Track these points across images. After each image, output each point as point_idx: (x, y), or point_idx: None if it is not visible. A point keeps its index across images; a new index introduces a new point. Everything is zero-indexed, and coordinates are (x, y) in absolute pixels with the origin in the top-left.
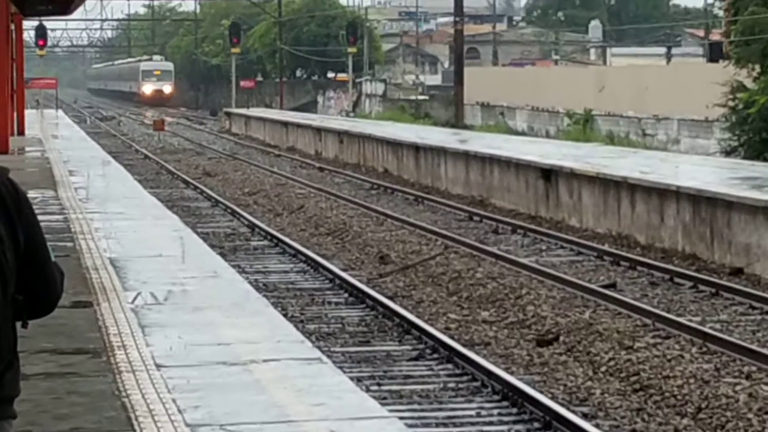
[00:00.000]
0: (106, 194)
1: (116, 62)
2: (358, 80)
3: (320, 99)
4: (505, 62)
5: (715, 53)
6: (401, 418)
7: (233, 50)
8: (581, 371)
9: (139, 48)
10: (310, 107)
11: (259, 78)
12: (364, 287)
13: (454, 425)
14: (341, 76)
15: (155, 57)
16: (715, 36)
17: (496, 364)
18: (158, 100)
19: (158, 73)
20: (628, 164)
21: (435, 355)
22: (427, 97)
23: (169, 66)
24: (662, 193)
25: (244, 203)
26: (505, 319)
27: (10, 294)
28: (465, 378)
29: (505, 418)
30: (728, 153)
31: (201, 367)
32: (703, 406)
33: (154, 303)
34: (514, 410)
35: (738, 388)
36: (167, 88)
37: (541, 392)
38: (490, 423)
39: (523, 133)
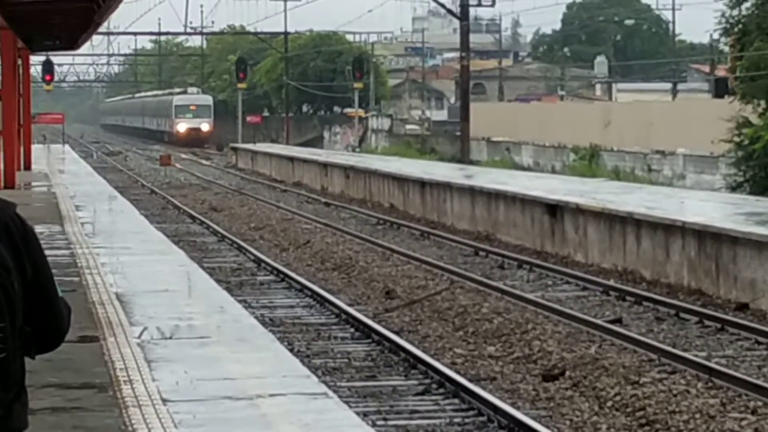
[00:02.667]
0: (112, 229)
1: (139, 95)
2: (364, 116)
3: (326, 134)
4: (511, 98)
5: (720, 89)
6: None
7: (240, 85)
8: (587, 406)
9: (146, 83)
10: (316, 142)
11: (266, 113)
12: (370, 322)
13: None
14: (352, 111)
15: (190, 89)
16: (721, 72)
17: (503, 399)
18: (195, 141)
19: (194, 108)
20: (634, 200)
21: (441, 390)
22: (428, 133)
23: (208, 100)
24: (668, 229)
25: (251, 238)
26: (511, 354)
27: (18, 325)
28: (471, 413)
29: None
30: (734, 188)
31: (207, 401)
32: None
33: (160, 338)
34: None
35: (744, 423)
36: (205, 126)
37: (548, 427)
38: None
39: (529, 169)
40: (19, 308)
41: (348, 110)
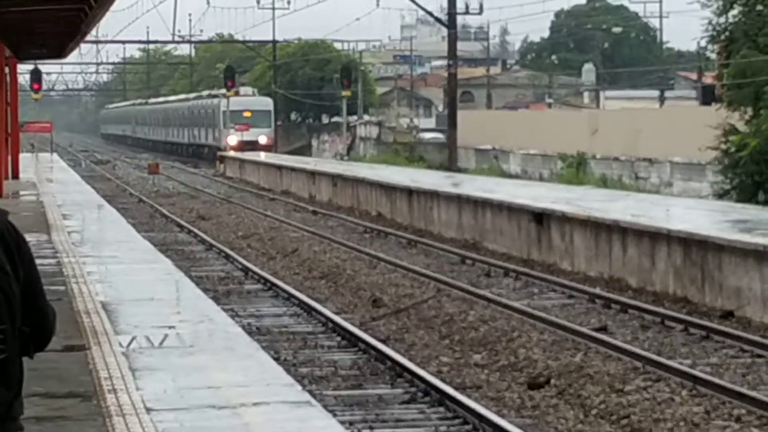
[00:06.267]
0: (99, 238)
1: (156, 100)
2: (352, 124)
3: (314, 142)
4: (499, 105)
5: (707, 96)
6: None
7: (228, 94)
8: (572, 414)
9: (134, 92)
10: (304, 150)
11: None
12: (356, 330)
13: None
14: (351, 118)
15: (243, 89)
16: (708, 79)
17: (488, 407)
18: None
19: (249, 114)
20: (620, 207)
21: (427, 399)
22: (413, 138)
23: (267, 103)
24: (654, 237)
25: (238, 247)
26: (496, 362)
27: (17, 326)
28: (457, 421)
29: None
30: (720, 196)
31: (191, 410)
32: None
33: (145, 347)
34: None
35: (728, 431)
36: (263, 139)
37: None
38: None
39: (516, 176)
40: (18, 310)
41: (350, 118)
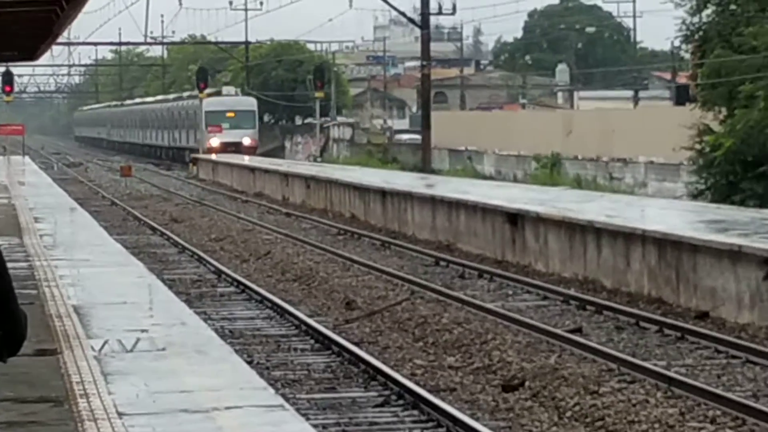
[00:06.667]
0: (71, 241)
1: (132, 102)
2: (325, 125)
3: (288, 144)
4: (473, 106)
5: (681, 96)
6: None
7: (201, 95)
8: (547, 416)
9: (106, 94)
10: (277, 152)
11: None
12: (330, 333)
13: None
14: (326, 119)
15: (226, 89)
16: (682, 79)
17: (462, 410)
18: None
19: (232, 115)
20: (595, 208)
21: (401, 402)
22: (387, 139)
23: (251, 104)
24: (628, 237)
25: (211, 249)
26: (470, 365)
27: None
28: (431, 424)
29: None
30: (695, 196)
31: (163, 414)
32: None
33: (117, 351)
34: None
35: None
36: (247, 140)
37: None
38: None
39: (490, 178)
40: None
41: (341, 118)
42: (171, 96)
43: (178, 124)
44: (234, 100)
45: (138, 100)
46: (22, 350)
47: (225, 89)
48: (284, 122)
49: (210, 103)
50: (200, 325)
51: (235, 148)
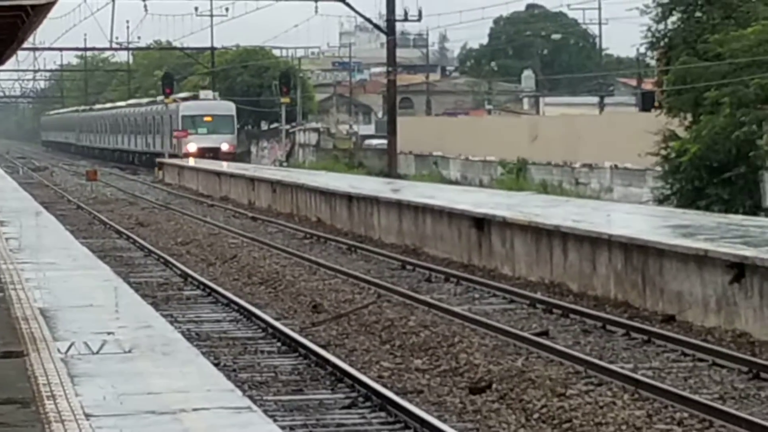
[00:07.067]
0: (37, 244)
1: (103, 106)
2: (291, 130)
3: (254, 149)
4: (439, 112)
5: (647, 102)
6: None
7: (166, 101)
8: (514, 419)
9: (71, 99)
10: (243, 157)
11: None
12: (296, 336)
13: None
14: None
15: (204, 93)
16: (648, 85)
17: (429, 412)
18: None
19: (209, 119)
20: (561, 213)
21: (368, 404)
22: (353, 144)
23: (230, 108)
24: (594, 242)
25: (177, 253)
26: (437, 367)
27: None
28: (398, 426)
29: None
30: (661, 201)
31: (130, 416)
32: None
33: (84, 353)
34: None
35: None
36: (225, 146)
37: None
38: None
39: (456, 183)
40: None
41: (313, 124)
42: (145, 100)
43: (153, 129)
44: (212, 104)
45: (109, 104)
46: None
47: (203, 93)
48: (250, 127)
49: (187, 107)
50: (167, 327)
51: (213, 153)
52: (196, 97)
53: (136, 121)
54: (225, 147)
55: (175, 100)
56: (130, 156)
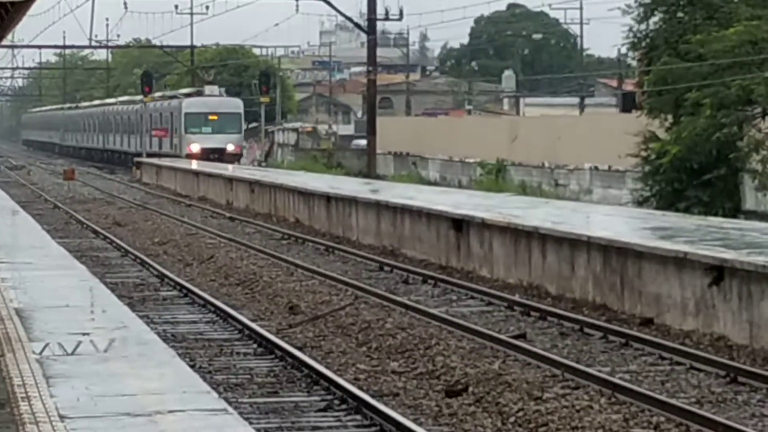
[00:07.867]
0: (13, 244)
1: (90, 103)
2: (270, 130)
3: None
4: (419, 112)
5: (628, 103)
6: None
7: (146, 99)
8: (490, 422)
9: (50, 97)
10: None
11: None
12: (273, 338)
13: None
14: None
15: (209, 89)
16: (629, 86)
17: (405, 414)
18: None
19: (215, 118)
20: (540, 214)
21: (344, 406)
22: (332, 145)
23: (237, 105)
24: (573, 244)
25: (154, 253)
26: (414, 370)
27: None
28: (373, 429)
29: None
30: (640, 203)
31: (105, 418)
32: None
33: (59, 354)
34: None
35: None
36: (231, 146)
37: None
38: None
39: (435, 183)
40: None
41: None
42: (138, 97)
43: (150, 128)
44: (218, 100)
45: (97, 101)
46: None
47: (208, 89)
48: None
49: (191, 104)
50: (143, 328)
51: (219, 155)
52: (200, 93)
53: (129, 119)
54: (231, 148)
55: (189, 94)
56: (122, 156)
